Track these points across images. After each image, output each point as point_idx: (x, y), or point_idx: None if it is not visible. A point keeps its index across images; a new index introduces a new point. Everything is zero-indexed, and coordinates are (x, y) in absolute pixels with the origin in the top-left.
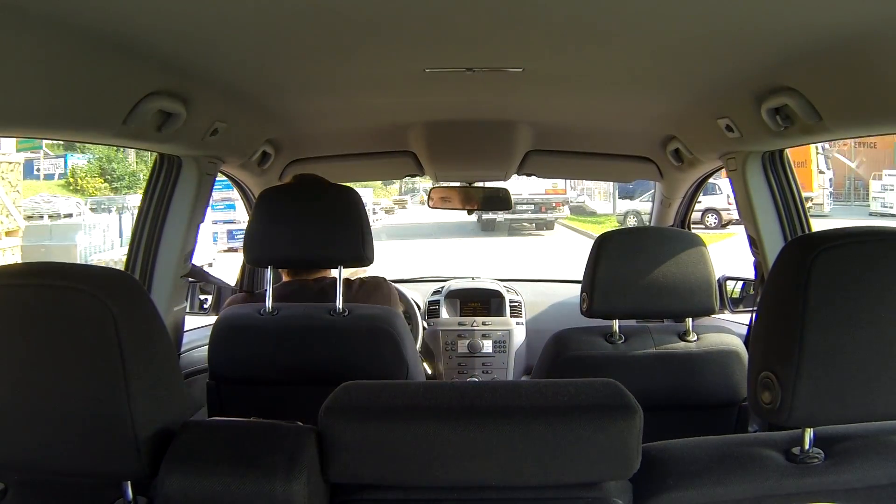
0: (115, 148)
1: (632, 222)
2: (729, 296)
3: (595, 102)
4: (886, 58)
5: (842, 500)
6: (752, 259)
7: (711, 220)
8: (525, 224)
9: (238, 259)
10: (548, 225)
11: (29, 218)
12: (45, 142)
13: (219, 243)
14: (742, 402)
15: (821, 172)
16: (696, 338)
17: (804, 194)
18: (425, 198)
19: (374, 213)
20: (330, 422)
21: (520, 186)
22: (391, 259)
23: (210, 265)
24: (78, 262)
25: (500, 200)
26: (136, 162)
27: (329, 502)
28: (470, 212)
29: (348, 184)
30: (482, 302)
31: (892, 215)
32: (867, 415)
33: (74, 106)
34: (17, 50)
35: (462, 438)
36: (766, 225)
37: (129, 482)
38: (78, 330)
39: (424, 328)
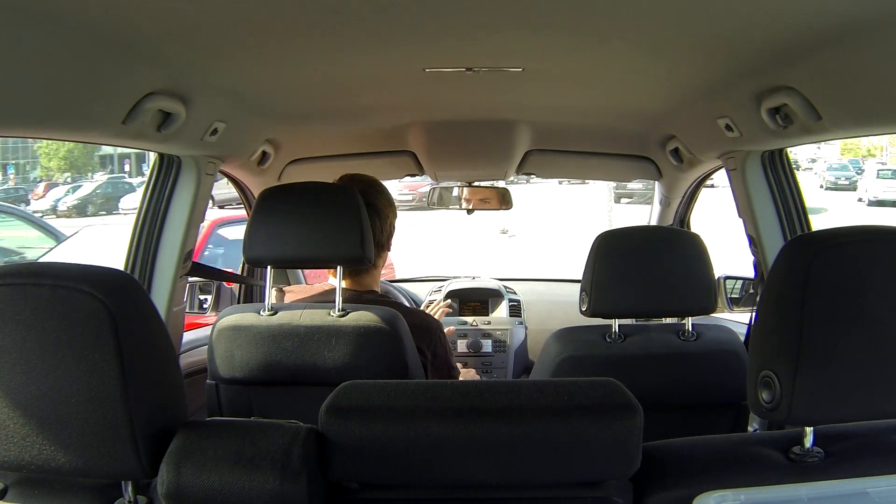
0: None
1: None
2: (729, 295)
3: (595, 102)
4: (885, 57)
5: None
6: (752, 258)
7: None
8: None
9: None
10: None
11: None
12: None
13: None
14: (742, 402)
15: None
16: (695, 337)
17: None
18: None
19: None
20: (330, 422)
21: None
22: None
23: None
24: None
25: (501, 200)
26: None
27: (329, 502)
28: (470, 211)
29: None
30: (482, 301)
31: None
32: (867, 414)
33: (74, 106)
34: (17, 49)
35: (462, 438)
36: (765, 224)
37: (129, 482)
38: (77, 330)
39: None
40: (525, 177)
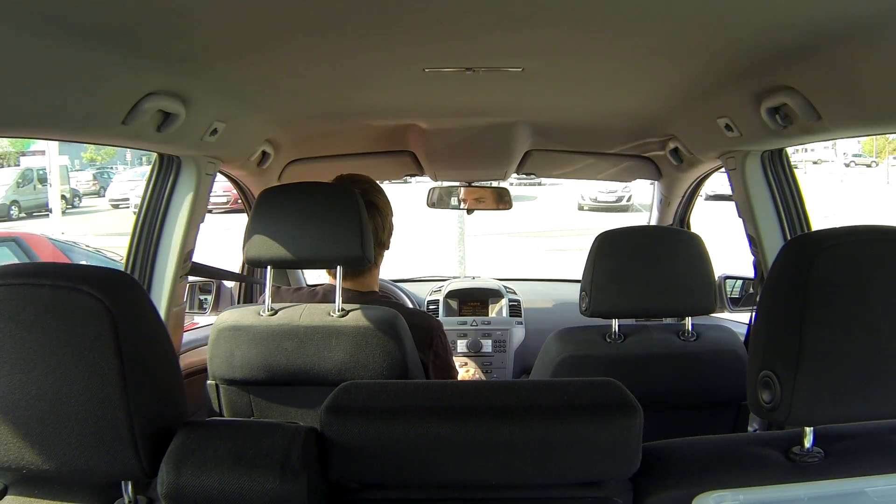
0: None
1: None
2: (728, 295)
3: (595, 102)
4: (885, 57)
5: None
6: (752, 258)
7: None
8: None
9: None
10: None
11: None
12: None
13: None
14: (742, 402)
15: None
16: (695, 337)
17: None
18: None
19: None
20: (330, 422)
21: None
22: None
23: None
24: None
25: (501, 200)
26: None
27: (329, 502)
28: (469, 211)
29: None
30: (481, 301)
31: None
32: (867, 414)
33: (74, 106)
34: (17, 50)
35: (462, 438)
36: (765, 224)
37: (129, 482)
38: (77, 330)
39: None
40: (526, 176)
